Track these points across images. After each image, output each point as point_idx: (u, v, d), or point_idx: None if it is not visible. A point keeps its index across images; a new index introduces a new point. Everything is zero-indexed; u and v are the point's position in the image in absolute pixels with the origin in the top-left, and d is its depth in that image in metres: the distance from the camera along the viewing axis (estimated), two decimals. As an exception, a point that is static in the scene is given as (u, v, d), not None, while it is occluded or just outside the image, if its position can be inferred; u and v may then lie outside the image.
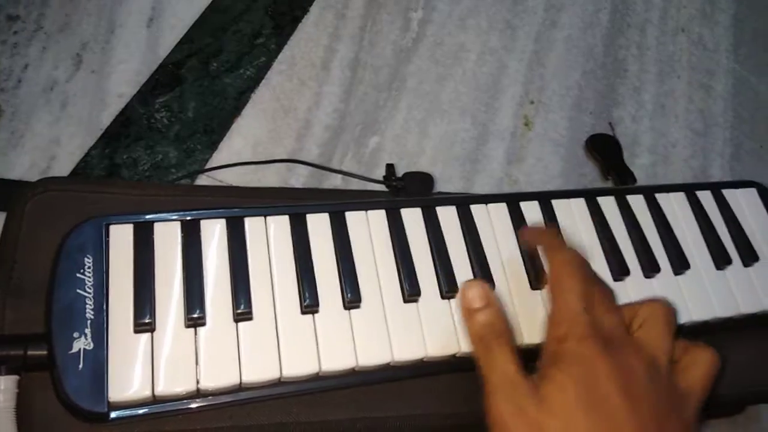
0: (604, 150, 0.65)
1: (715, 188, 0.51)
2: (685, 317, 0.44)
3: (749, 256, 0.48)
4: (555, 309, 0.37)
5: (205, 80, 0.59)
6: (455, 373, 0.41)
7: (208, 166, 0.55)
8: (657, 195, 0.49)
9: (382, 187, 0.53)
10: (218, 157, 0.56)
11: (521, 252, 0.44)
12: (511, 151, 0.65)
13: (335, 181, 0.58)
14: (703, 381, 0.36)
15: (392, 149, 0.62)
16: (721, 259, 0.47)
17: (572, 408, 0.32)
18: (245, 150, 0.57)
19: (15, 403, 0.34)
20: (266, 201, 0.45)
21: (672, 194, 0.49)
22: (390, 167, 0.52)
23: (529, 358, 0.41)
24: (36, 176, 0.51)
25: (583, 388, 0.33)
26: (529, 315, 0.41)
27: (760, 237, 0.49)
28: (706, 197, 0.50)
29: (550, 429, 0.32)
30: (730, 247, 0.48)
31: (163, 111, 0.56)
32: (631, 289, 0.44)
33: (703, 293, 0.45)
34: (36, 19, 0.59)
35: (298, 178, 0.57)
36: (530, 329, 0.41)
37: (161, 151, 0.55)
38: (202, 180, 0.55)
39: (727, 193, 0.51)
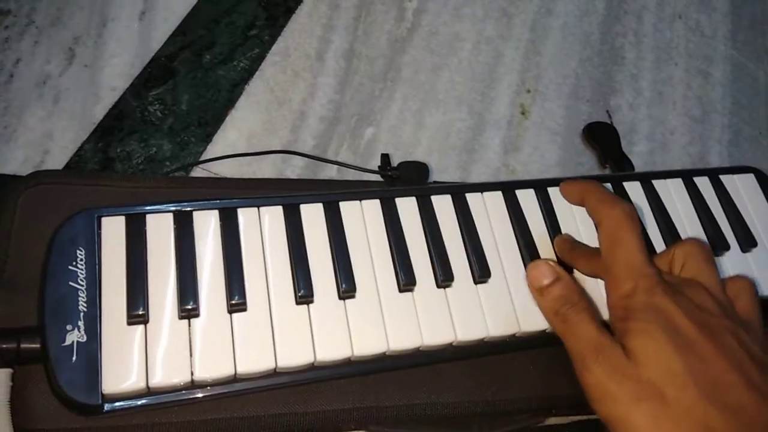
0: (602, 138, 0.64)
1: (713, 174, 0.50)
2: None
3: (747, 242, 0.47)
4: (616, 264, 0.37)
5: (198, 72, 0.58)
6: (452, 362, 0.41)
7: (202, 158, 0.55)
8: (654, 181, 0.49)
9: (377, 178, 0.52)
10: (213, 150, 0.55)
11: (517, 240, 0.44)
12: (507, 141, 0.65)
13: (330, 173, 0.57)
14: (754, 305, 0.37)
15: (388, 140, 0.61)
16: (719, 245, 0.47)
17: (664, 354, 0.33)
18: (240, 142, 0.57)
19: (9, 396, 0.34)
20: (260, 192, 0.45)
21: (669, 180, 0.49)
22: (385, 157, 0.51)
23: (536, 343, 0.41)
24: (29, 171, 0.51)
25: (667, 334, 0.33)
26: (527, 303, 0.41)
27: (758, 223, 0.49)
28: (703, 183, 0.50)
29: (650, 379, 0.32)
30: (728, 233, 0.48)
31: (157, 104, 0.56)
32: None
33: (701, 279, 0.45)
34: (27, 13, 0.59)
35: (293, 169, 0.57)
36: (528, 317, 0.41)
37: (155, 144, 0.54)
38: (197, 173, 0.54)
39: (725, 179, 0.50)
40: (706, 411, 0.31)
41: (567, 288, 0.38)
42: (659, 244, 0.45)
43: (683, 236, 0.46)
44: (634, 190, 0.48)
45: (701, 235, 0.47)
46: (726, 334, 0.33)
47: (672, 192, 0.49)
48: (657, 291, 0.35)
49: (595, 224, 0.43)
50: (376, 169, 0.51)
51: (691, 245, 0.38)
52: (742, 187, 0.50)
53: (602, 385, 0.33)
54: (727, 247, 0.47)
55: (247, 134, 0.57)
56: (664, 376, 0.32)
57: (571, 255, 0.42)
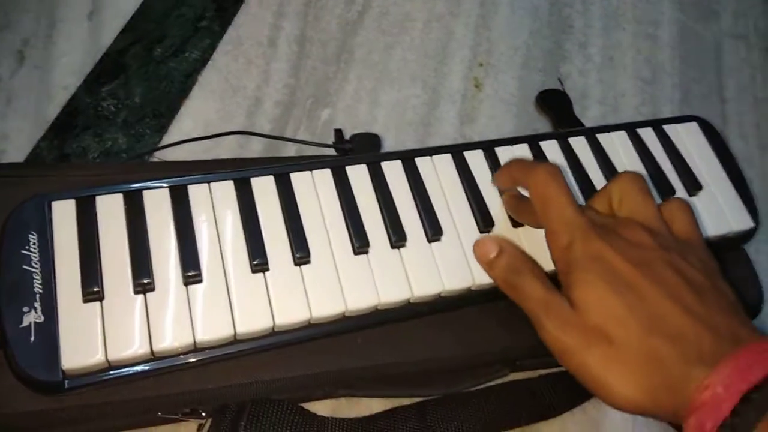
0: (555, 104, 0.66)
1: (657, 125, 0.52)
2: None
3: (693, 186, 0.49)
4: (550, 221, 0.38)
5: (150, 66, 0.59)
6: (413, 320, 0.42)
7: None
8: (599, 135, 0.50)
9: (333, 153, 0.53)
10: (168, 140, 0.56)
11: (468, 199, 0.45)
12: (463, 113, 0.66)
13: (289, 154, 0.58)
14: (691, 224, 0.39)
15: (344, 120, 0.62)
16: (665, 191, 0.48)
17: (604, 298, 0.34)
18: (195, 131, 0.57)
19: (-30, 382, 0.34)
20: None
21: (614, 134, 0.50)
22: (338, 132, 0.52)
23: (492, 296, 0.42)
24: (-14, 172, 0.51)
25: (604, 278, 0.34)
26: (478, 257, 0.42)
27: (703, 168, 0.50)
28: (648, 134, 0.51)
29: (595, 324, 0.34)
30: (674, 179, 0.49)
31: (110, 99, 0.56)
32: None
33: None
34: (-26, 19, 0.59)
35: (251, 154, 0.57)
36: (482, 271, 0.42)
37: (110, 137, 0.55)
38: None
39: (669, 129, 0.52)
40: (648, 343, 0.33)
41: (511, 257, 0.40)
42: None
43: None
44: (579, 145, 0.49)
45: (649, 183, 0.48)
46: (662, 266, 0.35)
47: (617, 144, 0.50)
48: (591, 238, 0.36)
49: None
50: (330, 144, 0.52)
51: (624, 179, 0.40)
52: (685, 135, 0.52)
53: (557, 340, 0.35)
54: (673, 192, 0.48)
55: (202, 123, 0.58)
56: (607, 319, 0.34)
57: (517, 210, 0.43)
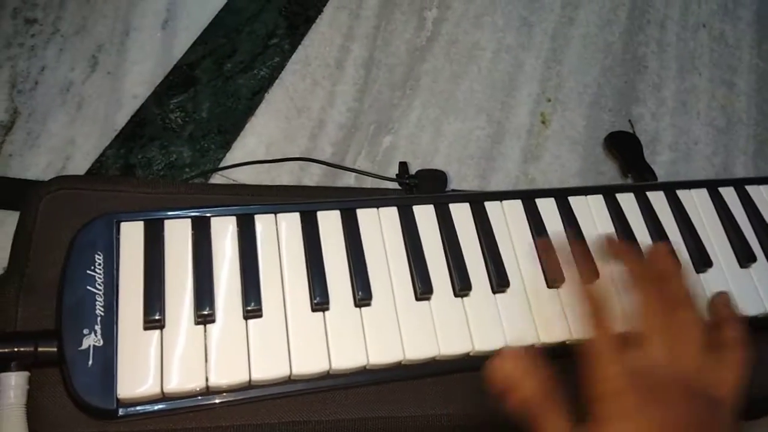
0: (624, 147, 0.64)
1: (738, 184, 0.49)
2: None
3: (775, 254, 0.46)
4: (586, 365, 0.35)
5: (218, 81, 0.59)
6: (469, 373, 0.41)
7: (221, 165, 0.55)
8: (678, 191, 0.48)
9: (395, 185, 0.52)
10: (232, 157, 0.56)
11: (537, 250, 0.43)
12: (527, 150, 0.64)
13: (348, 180, 0.57)
14: (733, 385, 0.36)
15: (406, 148, 0.61)
16: (745, 257, 0.46)
17: None
18: (259, 149, 0.57)
19: (26, 399, 0.34)
20: (278, 199, 0.45)
21: (694, 191, 0.48)
22: (403, 165, 0.51)
23: (556, 354, 0.40)
24: (52, 176, 0.52)
25: None
26: (545, 314, 0.40)
27: (786, 234, 0.48)
28: (728, 193, 0.49)
29: None
30: (754, 243, 0.47)
31: (178, 111, 0.57)
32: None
33: (727, 291, 0.44)
34: (53, 22, 0.60)
35: (312, 177, 0.57)
36: (546, 328, 0.40)
37: (175, 150, 0.55)
38: (216, 179, 0.55)
39: (751, 190, 0.49)
40: None
41: (536, 386, 0.36)
42: (684, 256, 0.44)
43: (708, 247, 0.45)
44: (657, 200, 0.47)
45: (726, 245, 0.46)
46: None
47: (697, 202, 0.48)
48: (623, 397, 0.33)
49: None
50: (394, 177, 0.51)
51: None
52: (768, 198, 0.49)
53: None
54: (754, 259, 0.46)
55: (266, 142, 0.57)
56: None
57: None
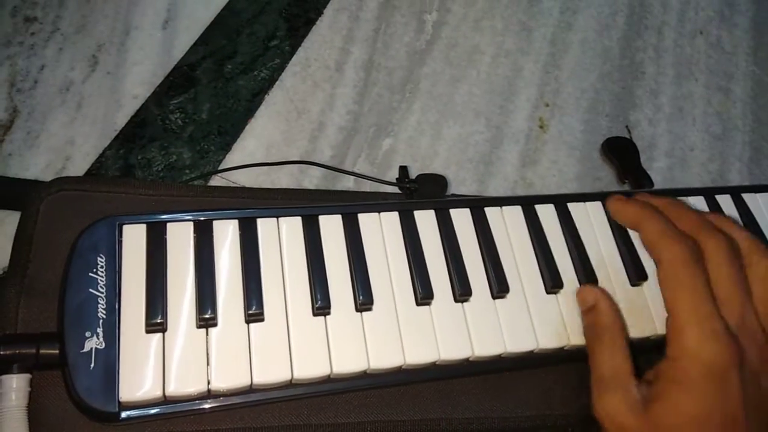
0: (621, 153, 0.64)
1: (735, 192, 0.50)
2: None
3: (770, 262, 0.47)
4: (679, 313, 0.35)
5: (219, 82, 0.59)
6: (469, 377, 0.41)
7: (221, 167, 0.55)
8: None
9: (395, 189, 0.52)
10: (232, 158, 0.56)
11: (536, 255, 0.43)
12: (525, 154, 0.64)
13: (348, 183, 0.57)
14: None
15: (405, 151, 0.61)
16: (741, 264, 0.46)
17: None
18: (258, 151, 0.57)
19: (27, 401, 0.34)
20: (279, 202, 0.45)
21: (691, 198, 0.49)
22: (403, 169, 0.51)
23: (554, 360, 0.41)
24: (51, 176, 0.52)
25: (700, 421, 0.32)
26: (545, 319, 0.41)
27: (782, 242, 0.48)
28: (725, 201, 0.49)
29: None
30: (750, 252, 0.47)
31: (178, 112, 0.57)
32: (649, 295, 0.43)
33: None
34: (53, 20, 0.59)
35: (311, 179, 0.57)
36: (547, 333, 0.40)
37: (175, 152, 0.55)
38: (216, 181, 0.55)
39: (747, 197, 0.50)
40: None
41: (597, 317, 0.38)
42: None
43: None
44: (654, 207, 0.47)
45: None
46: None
47: (693, 210, 0.48)
48: (719, 362, 0.33)
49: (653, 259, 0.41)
50: (394, 181, 0.51)
51: None
52: (764, 206, 0.50)
53: (615, 416, 0.34)
54: (750, 267, 0.46)
55: (266, 144, 0.58)
56: None
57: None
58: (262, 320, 0.37)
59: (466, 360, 0.40)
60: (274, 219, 0.40)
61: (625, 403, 0.34)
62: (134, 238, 0.37)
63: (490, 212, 0.44)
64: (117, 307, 0.35)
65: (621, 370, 0.35)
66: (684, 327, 0.34)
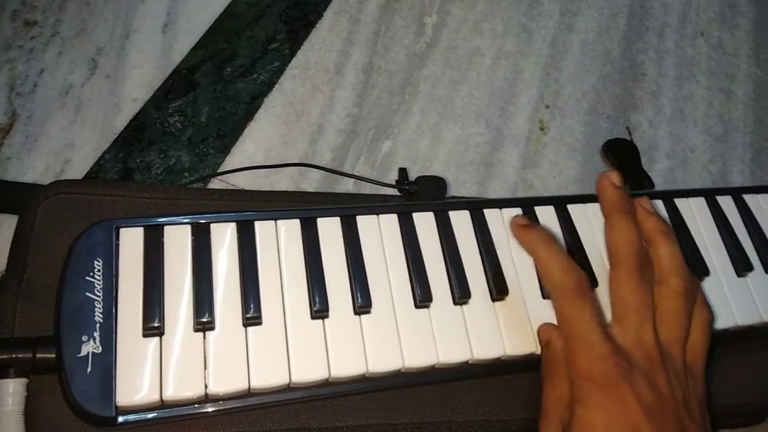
0: (621, 155, 0.64)
1: (736, 193, 0.50)
2: (705, 325, 0.43)
3: (772, 264, 0.46)
4: (565, 340, 0.38)
5: (218, 85, 0.59)
6: (467, 381, 0.41)
7: (220, 170, 0.55)
8: (676, 200, 0.48)
9: (394, 192, 0.52)
10: (231, 162, 0.56)
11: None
12: (526, 156, 0.64)
13: (347, 186, 0.57)
14: (704, 347, 0.39)
15: (405, 154, 0.61)
16: (741, 266, 0.46)
17: None
18: (258, 154, 0.57)
19: (24, 406, 0.34)
20: (278, 205, 0.45)
21: (692, 199, 0.48)
22: (402, 171, 0.51)
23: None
24: (50, 180, 0.51)
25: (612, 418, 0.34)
26: (541, 322, 0.40)
27: (783, 243, 0.48)
28: (726, 202, 0.49)
29: None
30: (751, 253, 0.47)
31: (177, 115, 0.56)
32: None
33: (724, 300, 0.44)
34: (53, 24, 0.59)
35: (311, 182, 0.57)
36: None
37: (174, 155, 0.55)
38: (215, 184, 0.55)
39: (749, 198, 0.50)
40: None
41: (547, 354, 0.39)
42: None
43: (705, 256, 0.46)
44: (656, 208, 0.47)
45: (724, 254, 0.46)
46: (670, 423, 0.35)
47: (694, 211, 0.48)
48: (609, 377, 0.35)
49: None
50: (394, 183, 0.51)
51: (678, 273, 0.40)
52: (765, 207, 0.49)
53: None
54: (751, 268, 0.46)
55: (265, 146, 0.57)
56: None
57: None
58: (260, 323, 0.37)
59: (466, 363, 0.39)
60: (272, 222, 0.40)
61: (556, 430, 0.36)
62: (131, 241, 0.37)
63: (490, 214, 0.44)
64: (114, 310, 0.35)
65: (561, 402, 0.37)
66: (575, 351, 0.37)
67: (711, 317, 0.40)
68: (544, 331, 0.40)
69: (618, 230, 0.41)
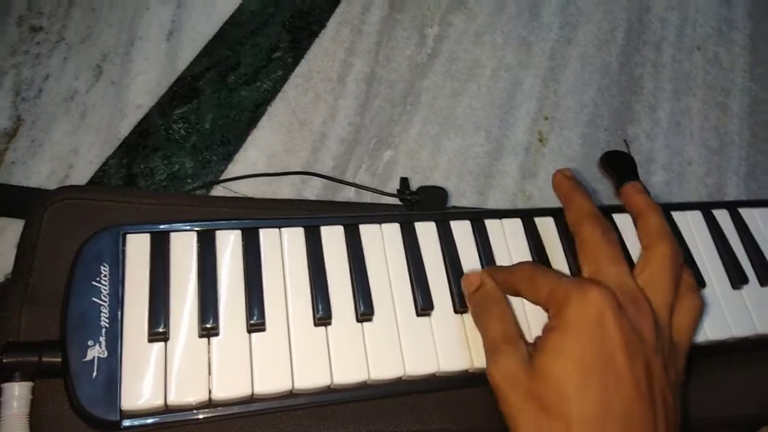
0: (619, 167, 0.64)
1: (732, 207, 0.50)
2: (700, 337, 0.43)
3: (766, 276, 0.47)
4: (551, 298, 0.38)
5: (222, 93, 0.59)
6: (468, 389, 0.41)
7: (223, 177, 0.55)
8: (673, 213, 0.49)
9: (396, 201, 0.53)
10: (234, 169, 0.56)
11: (535, 268, 0.44)
12: (525, 167, 0.65)
13: (349, 194, 0.58)
14: (692, 330, 0.39)
15: (406, 163, 0.62)
16: (737, 278, 0.46)
17: (569, 379, 0.34)
18: (260, 162, 0.57)
19: (29, 409, 0.34)
20: (281, 212, 0.45)
21: (688, 212, 0.49)
22: (404, 181, 0.52)
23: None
24: (54, 185, 0.52)
25: (581, 361, 0.34)
26: (539, 328, 0.41)
27: (778, 257, 0.49)
28: (722, 216, 0.50)
29: (544, 397, 0.34)
30: (746, 266, 0.48)
31: (181, 122, 0.57)
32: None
33: (719, 312, 0.45)
34: (59, 30, 0.60)
35: (312, 190, 0.57)
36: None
37: (178, 161, 0.55)
38: (218, 191, 0.55)
39: (744, 212, 0.50)
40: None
41: (483, 294, 0.40)
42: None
43: (701, 268, 0.46)
44: (652, 221, 0.48)
45: (719, 267, 0.47)
46: (651, 369, 0.34)
47: (691, 224, 0.49)
48: (596, 305, 0.35)
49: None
50: (395, 192, 0.51)
51: (664, 254, 0.40)
52: (761, 221, 0.50)
53: (496, 385, 0.36)
54: (746, 280, 0.46)
55: (268, 154, 0.58)
56: (566, 399, 0.33)
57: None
58: (263, 330, 0.37)
59: (466, 371, 0.40)
60: (277, 229, 0.41)
61: (516, 359, 0.36)
62: (137, 247, 0.38)
63: (490, 224, 0.45)
64: (120, 315, 0.36)
65: (510, 332, 0.37)
66: (569, 296, 0.36)
67: (701, 305, 0.40)
68: (473, 275, 0.41)
69: (575, 204, 0.43)
